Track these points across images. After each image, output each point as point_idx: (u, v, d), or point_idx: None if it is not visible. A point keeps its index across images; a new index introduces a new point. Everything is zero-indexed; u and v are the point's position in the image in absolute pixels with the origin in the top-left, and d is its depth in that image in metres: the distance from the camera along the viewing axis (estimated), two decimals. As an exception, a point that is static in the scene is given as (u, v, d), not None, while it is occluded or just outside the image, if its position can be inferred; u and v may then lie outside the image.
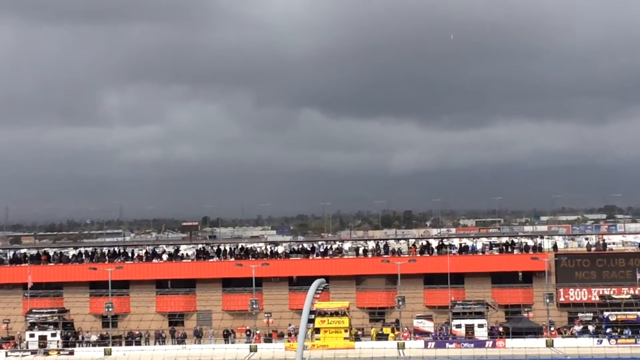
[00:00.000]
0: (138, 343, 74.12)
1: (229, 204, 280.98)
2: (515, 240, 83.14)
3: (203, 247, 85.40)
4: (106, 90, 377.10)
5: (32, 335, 73.61)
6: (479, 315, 73.34)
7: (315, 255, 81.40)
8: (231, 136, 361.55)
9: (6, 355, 70.92)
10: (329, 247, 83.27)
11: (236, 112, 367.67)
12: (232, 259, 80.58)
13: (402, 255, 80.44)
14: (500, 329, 73.47)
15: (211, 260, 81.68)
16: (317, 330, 71.08)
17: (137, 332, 75.40)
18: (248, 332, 75.36)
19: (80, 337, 75.24)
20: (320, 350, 68.95)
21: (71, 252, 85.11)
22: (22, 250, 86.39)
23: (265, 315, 77.12)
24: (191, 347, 71.26)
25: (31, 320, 74.41)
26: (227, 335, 75.32)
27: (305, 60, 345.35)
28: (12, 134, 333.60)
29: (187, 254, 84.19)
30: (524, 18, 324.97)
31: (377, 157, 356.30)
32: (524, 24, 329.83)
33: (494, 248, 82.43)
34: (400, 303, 73.67)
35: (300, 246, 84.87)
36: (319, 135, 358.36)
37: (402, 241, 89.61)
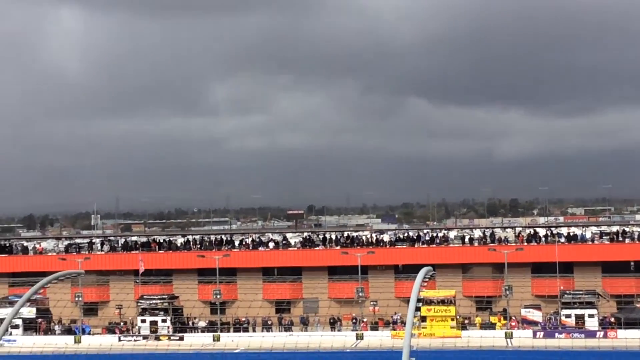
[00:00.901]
0: (246, 330, 75.20)
1: (334, 193, 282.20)
2: (627, 229, 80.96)
3: (309, 236, 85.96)
4: (213, 80, 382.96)
5: (143, 321, 75.39)
6: (590, 305, 71.67)
7: (420, 244, 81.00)
8: (336, 125, 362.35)
9: (119, 340, 72.88)
10: (434, 235, 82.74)
11: (341, 100, 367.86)
12: (338, 247, 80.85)
13: (508, 244, 79.32)
14: (612, 320, 71.70)
15: (317, 248, 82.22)
16: (424, 319, 70.80)
17: (244, 319, 76.38)
18: (354, 320, 75.56)
19: (190, 323, 76.77)
20: (428, 338, 68.46)
21: (179, 240, 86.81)
22: (133, 238, 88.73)
23: (372, 303, 77.07)
24: (299, 335, 71.66)
25: (142, 306, 76.17)
26: (334, 323, 75.65)
27: (410, 48, 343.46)
28: (122, 124, 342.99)
29: (293, 242, 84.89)
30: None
31: (483, 144, 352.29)
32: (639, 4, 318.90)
33: (604, 237, 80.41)
34: (507, 292, 72.64)
35: (406, 234, 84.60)
36: (424, 123, 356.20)
37: (508, 229, 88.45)
